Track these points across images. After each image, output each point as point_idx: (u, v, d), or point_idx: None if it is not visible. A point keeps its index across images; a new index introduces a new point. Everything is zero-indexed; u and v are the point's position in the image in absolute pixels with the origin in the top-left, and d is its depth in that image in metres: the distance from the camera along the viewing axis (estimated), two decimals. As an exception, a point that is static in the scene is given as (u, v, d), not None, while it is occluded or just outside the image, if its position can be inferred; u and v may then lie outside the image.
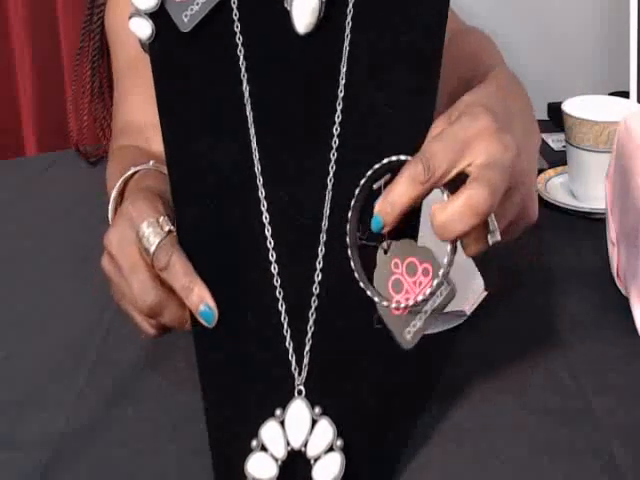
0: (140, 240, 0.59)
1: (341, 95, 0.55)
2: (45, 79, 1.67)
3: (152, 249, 0.58)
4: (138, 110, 0.88)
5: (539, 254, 0.89)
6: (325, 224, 0.56)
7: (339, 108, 0.55)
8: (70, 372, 0.73)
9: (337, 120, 0.55)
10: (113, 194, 0.68)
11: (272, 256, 0.56)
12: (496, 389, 0.69)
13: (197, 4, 0.54)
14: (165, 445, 0.64)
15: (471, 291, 0.80)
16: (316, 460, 0.55)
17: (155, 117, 0.83)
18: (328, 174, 0.56)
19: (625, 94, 1.03)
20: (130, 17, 0.54)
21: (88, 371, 0.73)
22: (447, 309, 0.76)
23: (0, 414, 0.68)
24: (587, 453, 0.62)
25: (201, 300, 0.57)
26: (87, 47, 1.05)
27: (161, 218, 0.59)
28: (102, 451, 0.64)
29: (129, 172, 0.68)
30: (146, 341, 0.76)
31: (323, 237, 0.56)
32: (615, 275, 0.81)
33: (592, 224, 0.93)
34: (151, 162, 0.69)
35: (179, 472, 0.62)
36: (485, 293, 0.81)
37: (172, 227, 0.58)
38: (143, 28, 0.54)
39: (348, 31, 0.54)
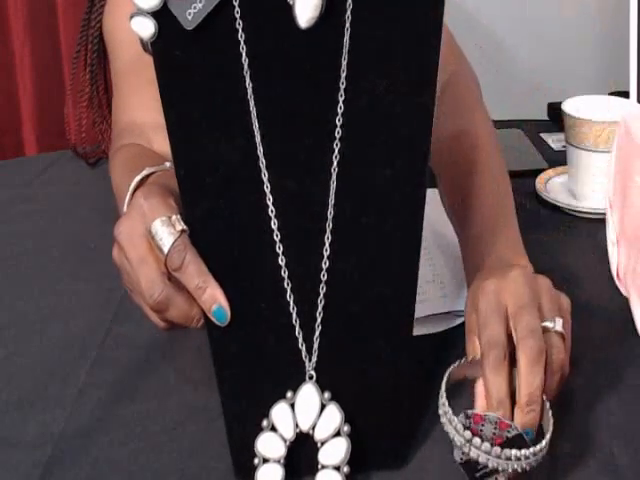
0: (153, 238, 0.59)
1: (342, 87, 0.56)
2: (45, 79, 1.67)
3: (166, 250, 0.58)
4: (139, 111, 0.88)
5: (539, 254, 0.89)
6: (331, 212, 0.57)
7: (341, 100, 0.56)
8: (70, 372, 0.73)
9: (339, 111, 0.56)
10: (127, 197, 0.68)
11: (279, 248, 0.57)
12: (496, 389, 0.69)
13: (201, 2, 0.54)
14: (165, 445, 0.64)
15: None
16: (323, 443, 0.57)
17: (155, 118, 0.83)
18: (332, 164, 0.57)
19: (625, 94, 1.03)
20: (132, 17, 0.54)
21: (88, 371, 0.73)
22: (447, 309, 0.77)
23: (0, 414, 0.69)
24: (587, 453, 0.62)
25: (214, 300, 0.58)
26: (83, 51, 1.05)
27: (173, 217, 0.59)
28: (102, 451, 0.64)
29: (144, 173, 0.68)
30: (146, 341, 0.76)
31: (329, 225, 0.57)
32: (615, 275, 0.81)
33: (592, 224, 0.93)
34: (167, 164, 0.69)
35: (179, 472, 0.62)
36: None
37: (185, 226, 0.58)
38: (146, 27, 0.54)
39: (348, 25, 0.55)
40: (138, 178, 0.67)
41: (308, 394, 0.58)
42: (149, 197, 0.60)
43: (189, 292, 0.59)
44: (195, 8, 0.54)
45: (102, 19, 0.99)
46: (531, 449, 0.55)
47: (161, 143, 0.83)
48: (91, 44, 1.03)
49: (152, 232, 0.59)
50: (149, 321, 0.64)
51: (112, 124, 0.96)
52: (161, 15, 0.54)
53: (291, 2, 0.54)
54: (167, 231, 0.58)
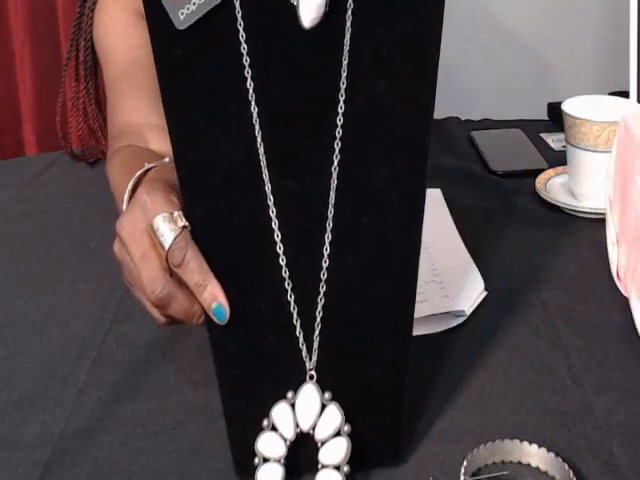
0: (154, 233, 0.59)
1: (343, 87, 0.56)
2: (45, 79, 1.67)
3: (167, 246, 0.58)
4: (135, 112, 0.88)
5: (539, 254, 0.89)
6: (331, 212, 0.57)
7: (342, 99, 0.56)
8: (70, 372, 0.73)
9: (340, 111, 0.56)
10: (127, 193, 0.68)
11: (279, 247, 0.58)
12: (496, 389, 0.69)
13: (194, 4, 0.54)
14: (165, 445, 0.64)
15: (471, 291, 0.80)
16: (323, 443, 0.57)
17: (150, 119, 0.83)
18: (332, 163, 0.57)
19: (625, 94, 1.03)
20: None
21: (88, 371, 0.73)
22: (447, 309, 0.77)
23: (0, 414, 0.69)
24: (587, 453, 0.62)
25: (214, 298, 0.58)
26: (74, 60, 1.05)
27: (175, 213, 0.59)
28: (102, 451, 0.64)
29: (143, 169, 0.68)
30: (146, 341, 0.76)
31: (330, 225, 0.57)
32: (615, 275, 0.82)
33: (592, 224, 0.93)
34: (166, 159, 0.69)
35: (179, 472, 0.62)
36: (485, 293, 0.81)
37: (186, 223, 0.59)
38: None
39: (349, 25, 0.55)
40: (138, 173, 0.67)
41: (308, 394, 0.58)
42: (151, 193, 0.61)
43: (190, 289, 0.59)
44: (189, 9, 0.54)
45: (91, 28, 0.99)
46: None
47: (158, 142, 0.83)
48: (83, 54, 1.03)
49: (154, 228, 0.59)
50: (149, 317, 0.64)
51: (108, 126, 0.96)
52: (161, 12, 0.54)
53: (294, 2, 0.54)
54: (169, 227, 0.59)
